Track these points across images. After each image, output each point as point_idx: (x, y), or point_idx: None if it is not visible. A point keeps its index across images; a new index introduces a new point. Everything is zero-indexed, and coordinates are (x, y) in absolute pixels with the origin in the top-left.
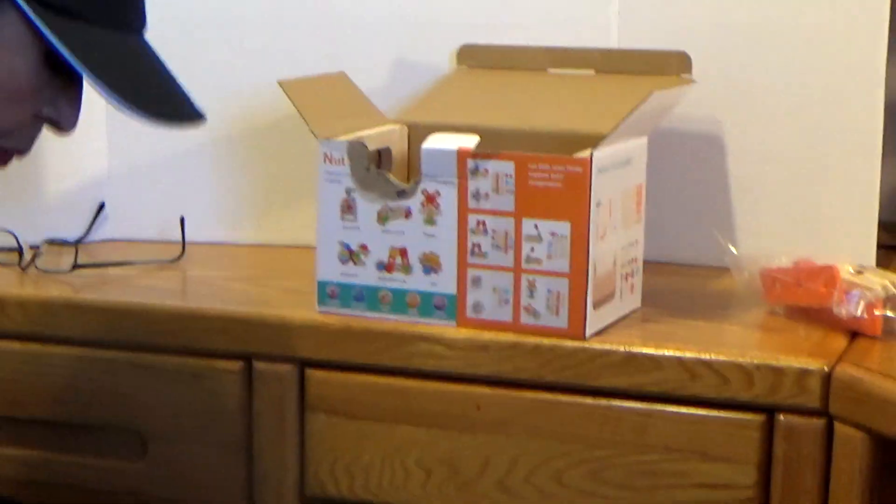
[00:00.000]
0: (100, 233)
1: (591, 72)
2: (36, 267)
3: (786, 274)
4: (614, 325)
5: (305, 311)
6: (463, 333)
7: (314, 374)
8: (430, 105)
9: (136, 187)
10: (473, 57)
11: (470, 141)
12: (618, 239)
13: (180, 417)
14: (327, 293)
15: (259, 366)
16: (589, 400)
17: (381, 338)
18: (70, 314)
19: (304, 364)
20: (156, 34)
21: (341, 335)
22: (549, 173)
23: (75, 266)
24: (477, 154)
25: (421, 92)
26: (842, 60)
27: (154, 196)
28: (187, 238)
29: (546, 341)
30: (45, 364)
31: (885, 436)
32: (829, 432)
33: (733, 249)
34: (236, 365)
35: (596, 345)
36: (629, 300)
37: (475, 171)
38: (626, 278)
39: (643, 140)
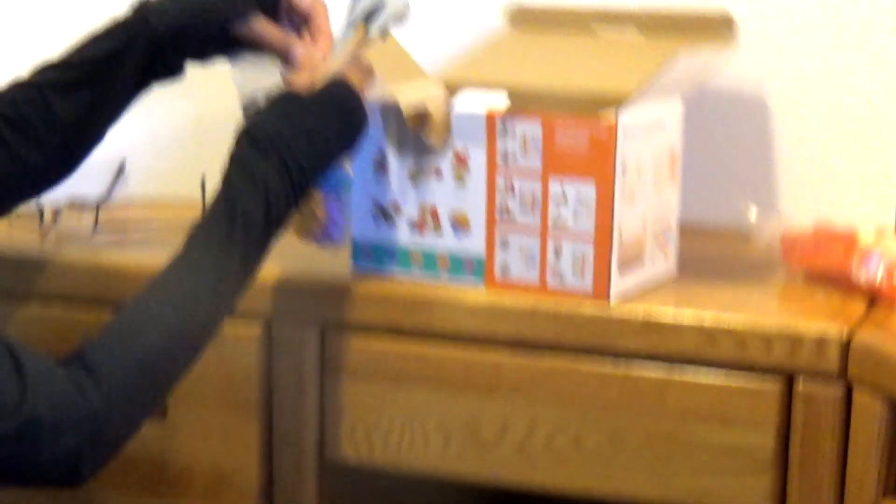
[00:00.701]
0: (121, 192)
1: (636, 32)
2: (57, 228)
3: (805, 238)
4: (645, 290)
5: (325, 273)
6: (483, 297)
7: (334, 338)
8: (471, 64)
9: (158, 146)
10: (522, 16)
11: (499, 101)
12: (648, 202)
13: (200, 381)
14: (362, 251)
15: (279, 328)
16: (608, 364)
17: (402, 301)
18: (91, 276)
19: (324, 327)
20: None
21: (362, 298)
22: (576, 134)
23: (96, 227)
24: (505, 114)
25: (467, 50)
26: (861, 21)
27: (175, 155)
28: (208, 197)
29: (565, 306)
30: (67, 327)
31: None
32: (848, 398)
33: (754, 212)
34: (256, 327)
35: (615, 309)
36: (662, 265)
37: (504, 132)
38: (659, 243)
39: (678, 103)
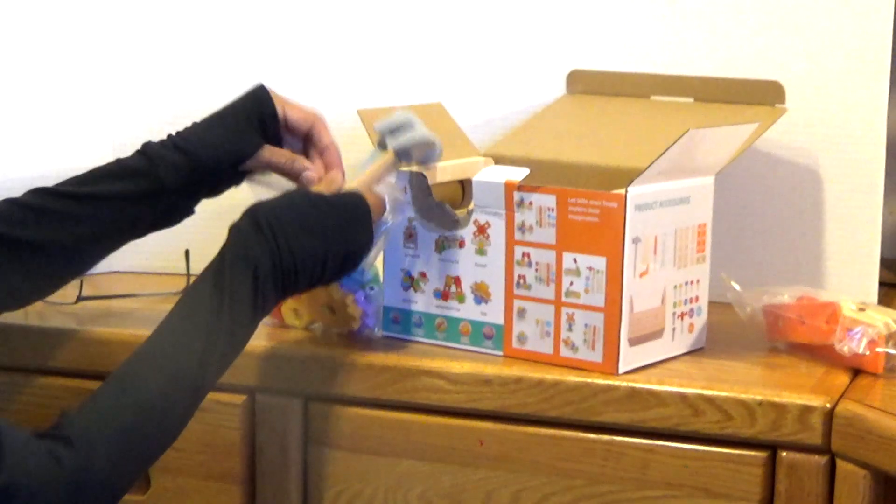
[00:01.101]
0: (105, 265)
1: (690, 99)
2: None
3: (788, 310)
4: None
5: (308, 344)
6: (467, 367)
7: (317, 408)
8: (520, 138)
9: None
10: (581, 82)
11: (518, 173)
12: (668, 276)
13: (183, 450)
14: (391, 318)
15: (262, 399)
16: (592, 435)
17: (385, 372)
18: (74, 346)
19: (307, 398)
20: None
21: (345, 369)
22: (587, 208)
23: (80, 298)
24: (522, 187)
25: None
26: (843, 99)
27: None
28: (192, 270)
29: (548, 376)
30: (50, 395)
31: (887, 473)
32: (832, 469)
33: (736, 286)
34: (239, 398)
35: (598, 380)
36: (686, 339)
37: (521, 204)
38: (682, 317)
39: (708, 179)
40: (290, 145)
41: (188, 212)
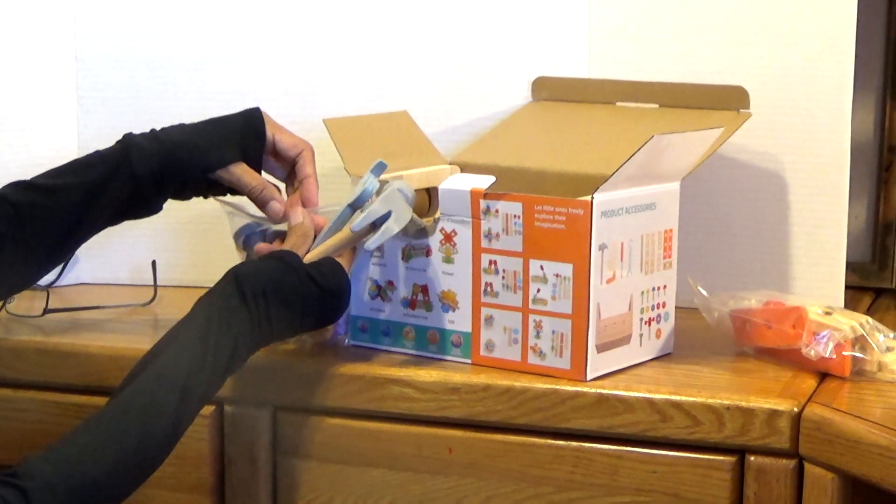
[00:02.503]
0: (72, 276)
1: (655, 105)
2: (7, 311)
3: (755, 315)
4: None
5: (277, 355)
6: (435, 376)
7: (286, 418)
8: (486, 145)
9: (108, 231)
10: (547, 88)
11: (485, 181)
12: (635, 282)
13: None
14: (359, 327)
15: (231, 410)
16: (560, 442)
17: (353, 381)
18: (41, 359)
19: (276, 408)
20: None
21: (313, 379)
22: (554, 215)
23: (46, 310)
24: (488, 194)
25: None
26: (808, 103)
27: (126, 240)
28: (159, 282)
29: (517, 384)
30: (16, 409)
31: (855, 476)
32: (800, 473)
33: (703, 291)
34: (208, 409)
35: (567, 387)
36: (654, 345)
37: (487, 211)
38: (649, 323)
39: (673, 184)
40: (276, 172)
41: (156, 206)
